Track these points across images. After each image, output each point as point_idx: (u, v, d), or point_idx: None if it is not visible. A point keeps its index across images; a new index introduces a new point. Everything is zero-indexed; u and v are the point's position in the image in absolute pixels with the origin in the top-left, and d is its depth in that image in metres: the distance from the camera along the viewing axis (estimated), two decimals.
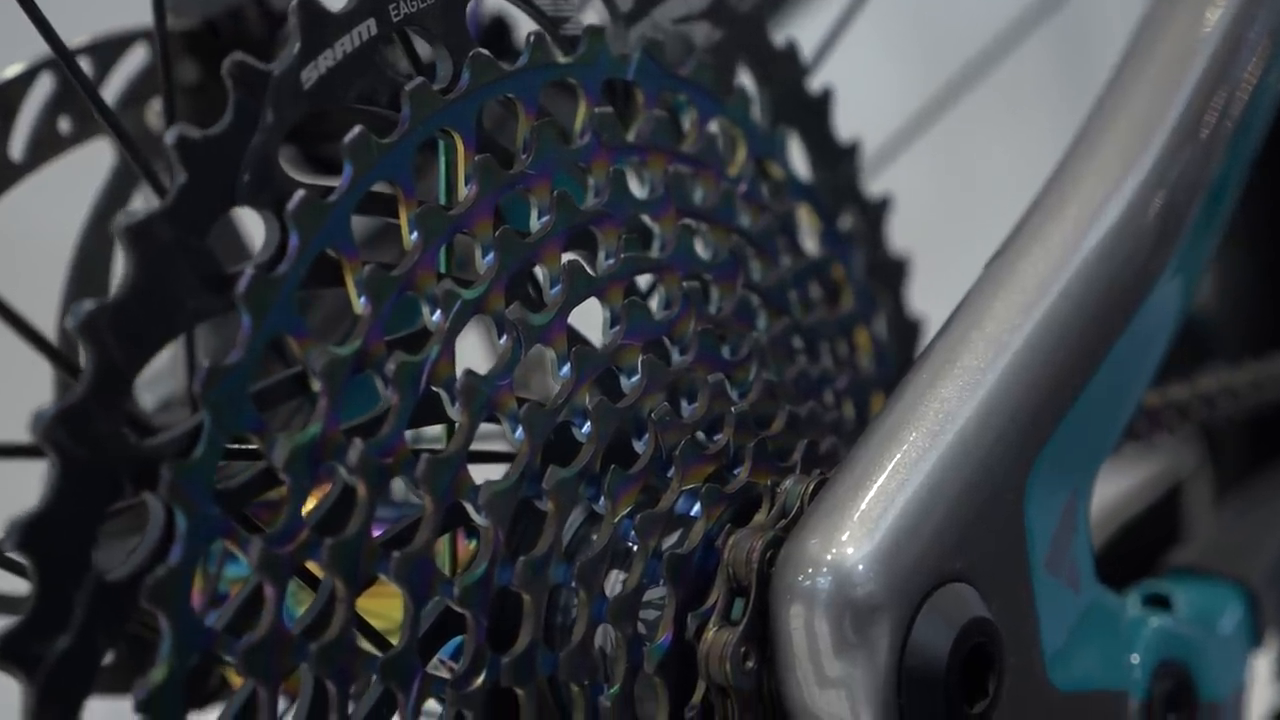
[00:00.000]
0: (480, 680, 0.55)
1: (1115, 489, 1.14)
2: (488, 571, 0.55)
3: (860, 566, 0.55)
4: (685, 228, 0.62)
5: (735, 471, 0.60)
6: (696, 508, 0.58)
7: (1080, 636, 0.63)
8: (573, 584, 0.56)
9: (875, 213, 0.74)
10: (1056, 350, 0.61)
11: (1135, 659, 0.66)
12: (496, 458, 0.57)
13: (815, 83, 0.73)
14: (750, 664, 0.56)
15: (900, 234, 0.76)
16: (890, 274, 0.75)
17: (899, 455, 0.58)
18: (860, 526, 0.56)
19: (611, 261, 0.60)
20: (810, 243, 0.70)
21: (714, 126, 0.65)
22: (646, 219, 0.62)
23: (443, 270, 0.58)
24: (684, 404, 0.60)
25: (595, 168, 0.61)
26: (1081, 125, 0.68)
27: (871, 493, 0.57)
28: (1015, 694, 0.59)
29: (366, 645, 0.55)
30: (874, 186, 0.86)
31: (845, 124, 0.74)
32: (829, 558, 0.56)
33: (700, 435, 0.60)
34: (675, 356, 0.61)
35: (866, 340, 0.72)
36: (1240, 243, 1.01)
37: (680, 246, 0.62)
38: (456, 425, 0.55)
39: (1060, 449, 0.61)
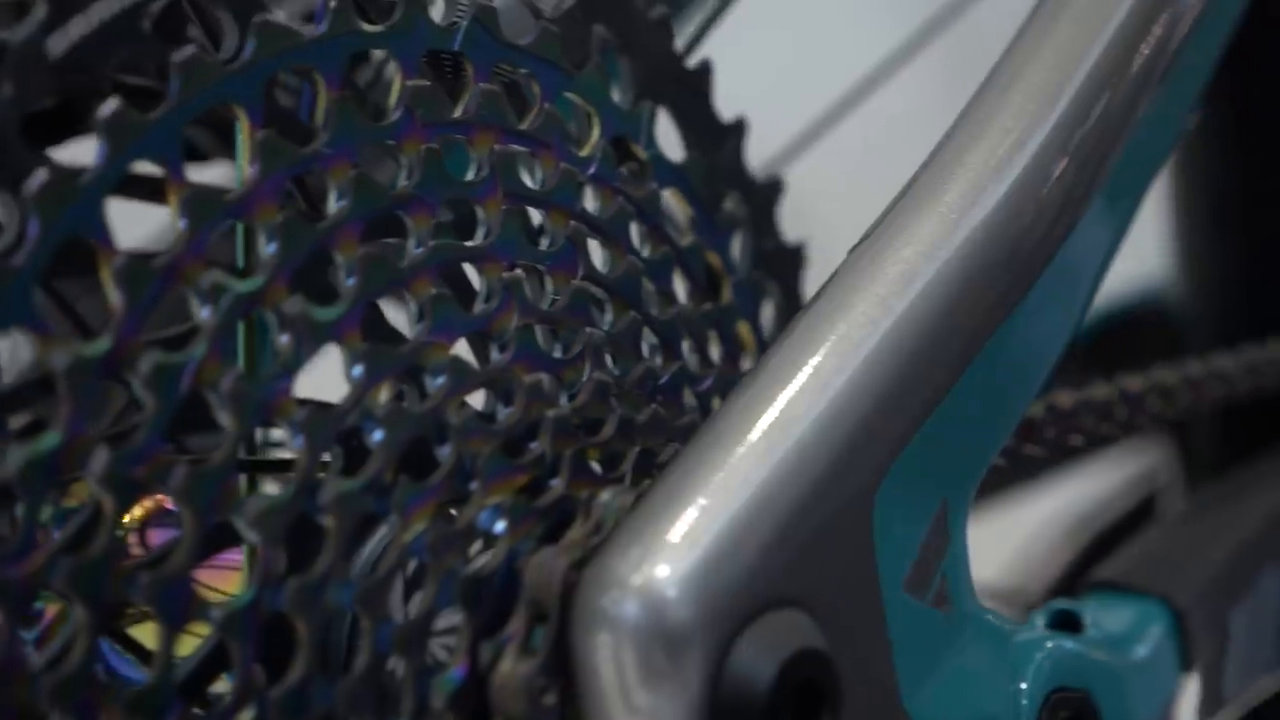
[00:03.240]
0: (246, 718, 0.49)
1: (1089, 497, 1.08)
2: (257, 596, 0.50)
3: (672, 589, 0.50)
4: (514, 213, 0.57)
5: (553, 483, 0.54)
6: (501, 524, 0.53)
7: (953, 664, 0.57)
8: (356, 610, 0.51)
9: (764, 196, 0.68)
10: (915, 351, 0.55)
11: (1023, 686, 0.59)
12: (282, 467, 0.52)
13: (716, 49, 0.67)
14: (549, 698, 0.50)
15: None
16: (783, 264, 0.69)
17: (725, 466, 0.52)
18: (674, 544, 0.50)
19: (420, 250, 0.54)
20: (682, 230, 0.64)
21: (560, 103, 0.60)
22: (473, 204, 0.56)
23: (240, 262, 0.53)
24: (501, 408, 0.55)
25: (407, 147, 0.55)
26: (987, 75, 0.62)
27: (690, 507, 0.51)
28: None
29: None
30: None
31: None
32: (637, 579, 0.50)
33: (514, 443, 0.54)
34: (495, 354, 0.55)
35: (750, 336, 0.66)
36: (1208, 224, 0.95)
37: (506, 233, 0.56)
38: (224, 433, 0.50)
39: (922, 457, 0.55)
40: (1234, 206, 0.95)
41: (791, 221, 0.71)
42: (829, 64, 0.95)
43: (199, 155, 0.66)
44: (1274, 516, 0.75)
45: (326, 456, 0.52)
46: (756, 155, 0.83)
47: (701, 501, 0.51)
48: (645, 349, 0.61)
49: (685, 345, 0.62)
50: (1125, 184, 0.63)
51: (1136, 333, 0.99)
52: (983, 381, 0.57)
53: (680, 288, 0.63)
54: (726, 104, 0.68)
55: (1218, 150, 0.94)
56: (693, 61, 0.66)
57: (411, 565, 0.52)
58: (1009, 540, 1.13)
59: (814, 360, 0.54)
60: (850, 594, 0.53)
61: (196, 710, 0.49)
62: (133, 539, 0.59)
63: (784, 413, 0.53)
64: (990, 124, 0.60)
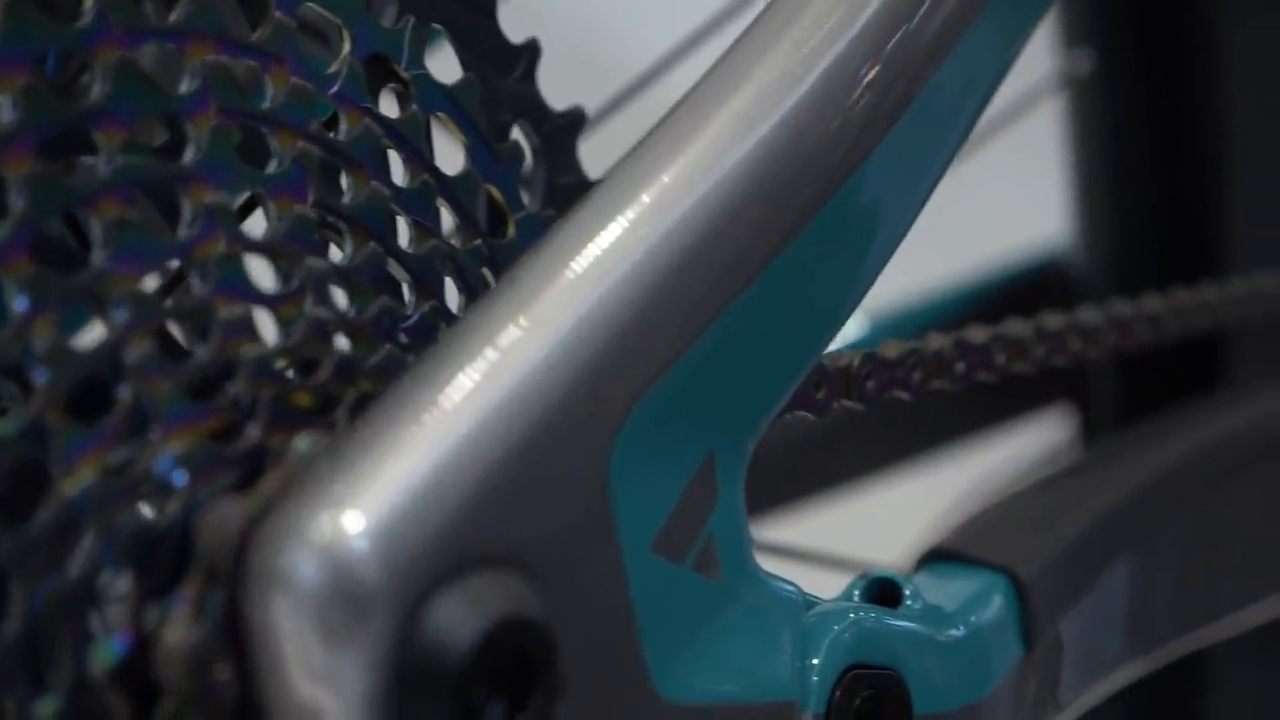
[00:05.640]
0: None
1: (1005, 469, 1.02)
2: None
3: (353, 545, 0.44)
4: (227, 130, 0.51)
5: (250, 429, 0.48)
6: (181, 473, 0.47)
7: (723, 637, 0.51)
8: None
9: (561, 127, 0.62)
10: (665, 280, 0.49)
11: (814, 662, 0.53)
12: None
13: None
14: (220, 668, 0.44)
15: None
16: None
17: (432, 405, 0.46)
18: (360, 494, 0.44)
19: (107, 168, 0.48)
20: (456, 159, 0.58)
21: (297, 14, 0.54)
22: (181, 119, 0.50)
23: None
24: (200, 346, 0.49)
25: (100, 54, 0.49)
26: None
27: (384, 452, 0.45)
28: (592, 708, 0.47)
29: None
30: None
31: None
32: (316, 534, 0.44)
33: (205, 384, 0.48)
34: (196, 286, 0.49)
35: None
36: (1107, 175, 0.88)
37: (216, 152, 0.50)
38: None
39: (675, 403, 0.49)
40: (1133, 155, 0.89)
41: None
42: None
43: None
44: (1142, 489, 0.68)
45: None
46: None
47: (399, 445, 0.45)
48: (406, 289, 0.55)
49: (450, 284, 0.56)
50: (943, 110, 0.56)
51: (1039, 293, 0.93)
52: (753, 322, 0.51)
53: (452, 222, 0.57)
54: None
55: (1114, 97, 0.88)
56: None
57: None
58: (922, 514, 1.07)
59: (545, 288, 0.48)
60: (579, 555, 0.47)
61: None
62: None
63: (504, 345, 0.47)
64: (786, 30, 0.54)
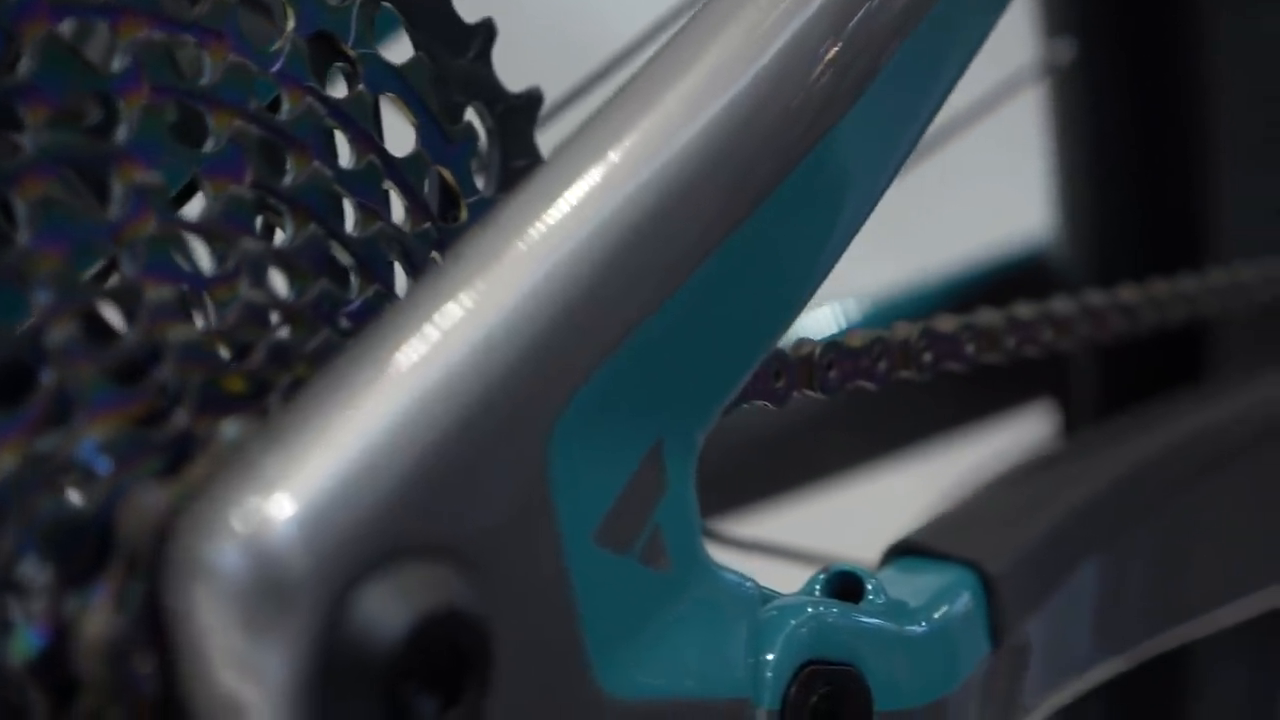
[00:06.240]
0: None
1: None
2: None
3: (281, 530, 0.42)
4: (161, 108, 0.49)
5: (178, 415, 0.46)
6: (105, 459, 0.45)
7: (670, 630, 0.49)
8: None
9: (518, 109, 0.60)
10: (612, 261, 0.47)
11: (769, 657, 0.52)
12: None
13: None
14: (141, 661, 0.43)
15: None
16: None
17: (366, 387, 0.44)
18: (289, 478, 0.42)
19: (34, 145, 0.47)
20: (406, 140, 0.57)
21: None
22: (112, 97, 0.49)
23: None
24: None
25: (29, 30, 0.48)
26: None
27: (316, 435, 0.43)
28: (531, 703, 0.45)
29: None
30: None
31: None
32: (240, 519, 0.42)
33: (131, 368, 0.46)
34: (126, 267, 0.48)
35: None
36: (1084, 163, 0.87)
37: (147, 131, 0.49)
38: None
39: (623, 383, 0.47)
40: (1117, 145, 0.87)
41: None
42: None
43: None
44: (1117, 483, 0.66)
45: None
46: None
47: (330, 427, 0.43)
48: (351, 273, 0.53)
49: (397, 267, 0.54)
50: (908, 88, 0.55)
51: (1020, 286, 0.91)
52: (706, 303, 0.49)
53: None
54: None
55: (1096, 86, 0.86)
56: None
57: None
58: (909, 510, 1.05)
59: (488, 266, 0.46)
60: (516, 544, 0.45)
61: None
62: None
63: (444, 325, 0.45)
64: (741, 7, 0.52)
